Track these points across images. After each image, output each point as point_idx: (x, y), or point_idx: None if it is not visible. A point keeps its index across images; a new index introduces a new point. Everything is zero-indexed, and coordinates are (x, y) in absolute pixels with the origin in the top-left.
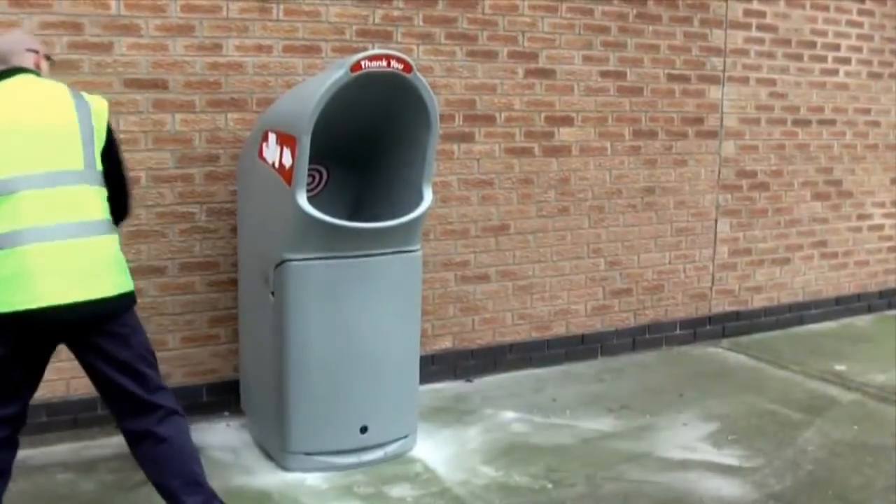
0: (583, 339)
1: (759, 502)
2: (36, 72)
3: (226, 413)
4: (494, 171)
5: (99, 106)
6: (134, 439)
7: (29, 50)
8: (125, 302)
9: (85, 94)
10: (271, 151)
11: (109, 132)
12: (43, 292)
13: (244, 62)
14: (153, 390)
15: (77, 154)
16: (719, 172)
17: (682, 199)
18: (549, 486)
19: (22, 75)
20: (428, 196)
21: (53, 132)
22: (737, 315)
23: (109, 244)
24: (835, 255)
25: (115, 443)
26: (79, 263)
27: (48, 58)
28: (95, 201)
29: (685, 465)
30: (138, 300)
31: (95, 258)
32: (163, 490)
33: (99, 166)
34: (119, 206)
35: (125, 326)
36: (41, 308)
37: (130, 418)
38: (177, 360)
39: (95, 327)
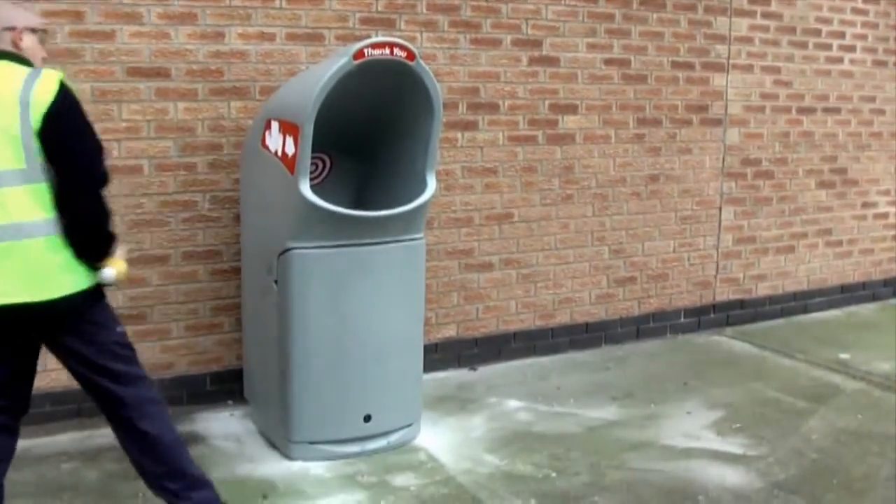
0: (587, 327)
1: (763, 491)
2: (11, 54)
3: (229, 402)
4: (498, 160)
5: (39, 89)
6: (114, 429)
7: (6, 29)
8: (74, 302)
9: (39, 77)
10: (274, 140)
11: (47, 117)
12: None
13: (247, 50)
14: (126, 383)
15: (18, 152)
16: (723, 160)
17: (686, 188)
18: (553, 474)
19: None
20: (431, 184)
21: None
22: (741, 303)
23: (48, 245)
24: (839, 243)
25: None
26: (9, 267)
27: (34, 30)
28: (39, 201)
29: (689, 453)
30: (142, 289)
31: (29, 262)
32: (145, 476)
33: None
34: (68, 202)
35: (88, 324)
36: None
37: (108, 411)
38: (180, 349)
39: (52, 327)
